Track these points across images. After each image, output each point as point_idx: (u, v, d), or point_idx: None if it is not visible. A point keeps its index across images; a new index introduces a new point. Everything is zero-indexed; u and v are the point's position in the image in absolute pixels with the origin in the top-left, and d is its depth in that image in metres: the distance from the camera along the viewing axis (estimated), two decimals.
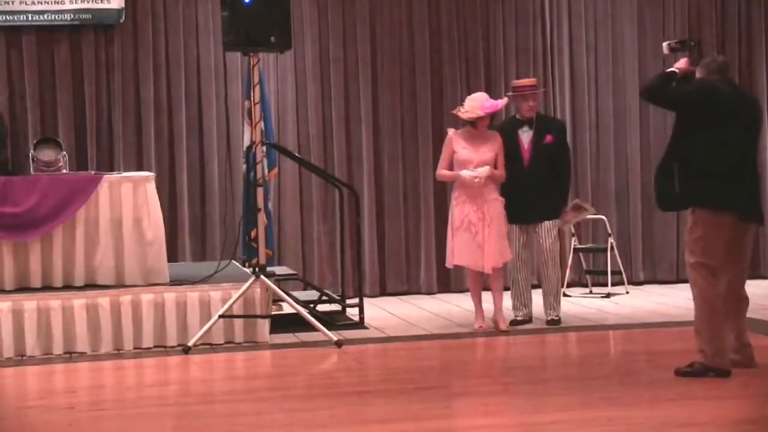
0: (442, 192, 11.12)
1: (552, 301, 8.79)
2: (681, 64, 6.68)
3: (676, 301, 10.21)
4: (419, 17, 11.19)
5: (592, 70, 11.54)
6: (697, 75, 6.66)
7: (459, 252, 8.59)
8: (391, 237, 11.12)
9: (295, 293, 9.30)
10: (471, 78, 11.23)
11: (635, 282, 11.35)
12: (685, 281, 11.21)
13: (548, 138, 8.75)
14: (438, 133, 11.15)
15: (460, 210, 8.56)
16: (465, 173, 8.44)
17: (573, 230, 10.90)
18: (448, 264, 8.82)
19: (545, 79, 11.14)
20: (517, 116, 8.88)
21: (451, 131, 8.73)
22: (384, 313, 9.84)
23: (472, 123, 8.52)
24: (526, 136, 8.75)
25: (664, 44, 7.03)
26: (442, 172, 8.66)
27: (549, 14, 11.42)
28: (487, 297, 8.81)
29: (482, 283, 8.81)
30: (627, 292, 10.77)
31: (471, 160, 8.51)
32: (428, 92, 11.18)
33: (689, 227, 6.52)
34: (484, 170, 8.41)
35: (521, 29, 11.36)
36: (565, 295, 10.06)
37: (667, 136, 11.08)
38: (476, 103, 8.51)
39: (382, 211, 11.11)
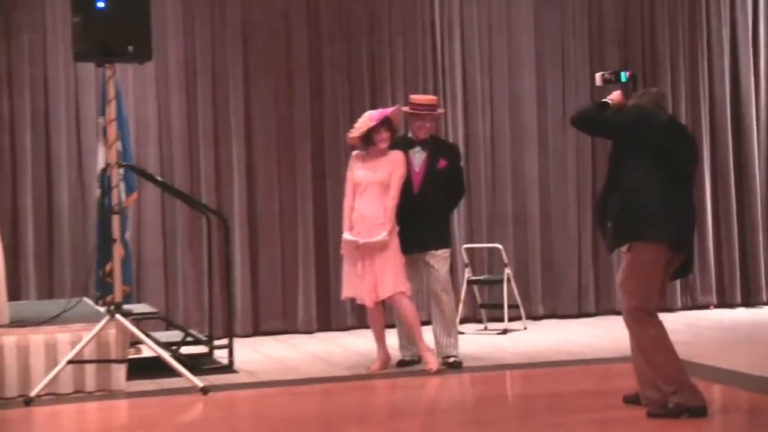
0: (322, 219, 11.06)
1: (450, 340, 8.71)
2: (615, 96, 6.82)
3: (578, 337, 10.28)
4: (297, 26, 11.13)
5: (486, 85, 11.62)
6: None
7: (346, 282, 8.60)
8: (265, 269, 10.99)
9: (155, 334, 9.14)
10: (354, 92, 11.21)
11: (534, 317, 11.42)
12: (588, 315, 11.60)
13: (442, 162, 8.75)
14: (318, 153, 11.10)
15: (344, 238, 8.54)
16: (345, 236, 8.48)
17: (466, 260, 10.92)
18: (342, 296, 8.82)
19: (435, 95, 11.10)
20: (410, 136, 8.85)
21: (354, 153, 8.71)
22: (257, 355, 9.71)
23: (371, 141, 8.49)
24: (418, 158, 8.75)
25: (597, 75, 7.17)
26: (345, 204, 8.61)
27: (440, 24, 11.47)
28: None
29: (382, 318, 8.73)
30: (525, 328, 10.81)
31: (361, 182, 8.53)
32: (307, 108, 11.11)
33: (626, 265, 6.59)
34: (377, 239, 8.38)
35: (409, 39, 11.39)
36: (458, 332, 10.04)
37: (568, 157, 11.67)
38: (364, 119, 8.58)
39: (255, 241, 11.00)
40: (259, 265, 11.01)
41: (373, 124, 8.50)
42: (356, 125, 8.62)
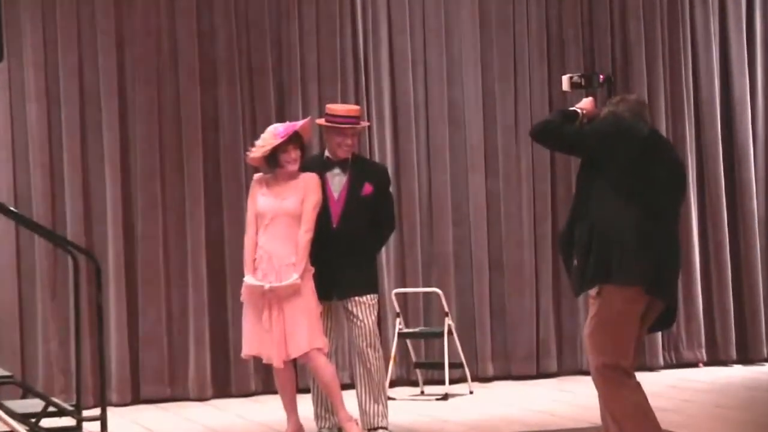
0: (218, 259, 11.05)
1: (378, 408, 8.70)
2: (586, 104, 6.89)
3: (536, 402, 10.36)
4: (184, 21, 11.15)
5: (420, 92, 11.70)
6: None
7: (248, 337, 8.59)
8: (147, 321, 10.98)
9: (9, 403, 9.05)
10: (257, 102, 11.24)
11: (482, 378, 11.50)
12: (548, 376, 11.67)
13: (367, 188, 8.77)
14: (212, 178, 11.10)
15: (246, 282, 8.54)
16: (247, 280, 8.50)
17: (397, 309, 10.96)
18: (242, 353, 8.80)
19: (357, 104, 11.15)
20: (327, 155, 8.89)
21: (256, 176, 8.72)
22: (137, 428, 9.71)
23: (276, 161, 8.54)
24: (337, 182, 8.76)
25: (564, 78, 7.24)
26: (246, 239, 8.64)
27: (362, 18, 11.54)
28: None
29: (293, 381, 8.74)
30: (471, 392, 10.88)
31: (266, 212, 8.53)
32: (198, 122, 11.13)
33: (595, 313, 6.63)
34: (287, 283, 8.45)
35: (325, 35, 11.45)
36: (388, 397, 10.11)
37: (522, 181, 11.76)
38: (268, 135, 8.58)
39: (134, 286, 10.99)
40: (140, 316, 10.98)
41: (279, 141, 8.50)
42: (258, 143, 8.62)
